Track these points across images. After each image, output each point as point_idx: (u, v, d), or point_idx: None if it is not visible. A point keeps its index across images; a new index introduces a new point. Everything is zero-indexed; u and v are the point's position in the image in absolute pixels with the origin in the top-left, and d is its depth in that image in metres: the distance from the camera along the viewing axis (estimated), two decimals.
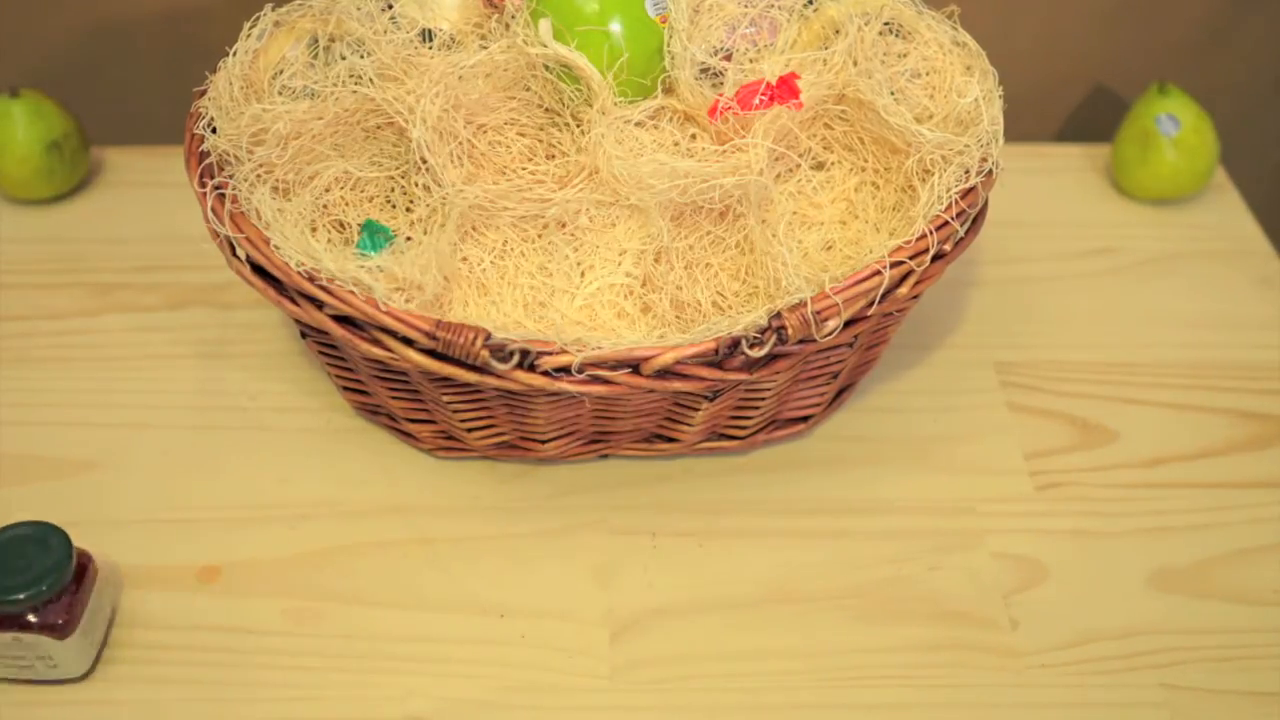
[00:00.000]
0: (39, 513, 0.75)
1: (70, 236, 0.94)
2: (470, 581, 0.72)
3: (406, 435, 0.78)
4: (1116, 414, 0.82)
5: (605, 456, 0.77)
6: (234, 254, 0.69)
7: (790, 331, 0.65)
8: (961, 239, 0.70)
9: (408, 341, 0.66)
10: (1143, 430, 0.81)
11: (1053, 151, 1.05)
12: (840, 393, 0.79)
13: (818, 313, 0.66)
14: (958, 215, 0.69)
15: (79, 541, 0.73)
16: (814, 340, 0.67)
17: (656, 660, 0.69)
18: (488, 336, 0.64)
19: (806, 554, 0.74)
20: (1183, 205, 0.99)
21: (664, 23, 0.75)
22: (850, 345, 0.73)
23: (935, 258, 0.69)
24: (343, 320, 0.67)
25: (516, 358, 0.65)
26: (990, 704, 0.67)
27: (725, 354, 0.65)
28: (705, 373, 0.66)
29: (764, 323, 0.66)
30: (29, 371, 0.84)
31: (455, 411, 0.73)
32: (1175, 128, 0.96)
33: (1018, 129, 1.08)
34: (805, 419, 0.78)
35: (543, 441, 0.75)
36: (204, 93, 0.75)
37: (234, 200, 0.70)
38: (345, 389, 0.79)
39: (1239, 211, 0.99)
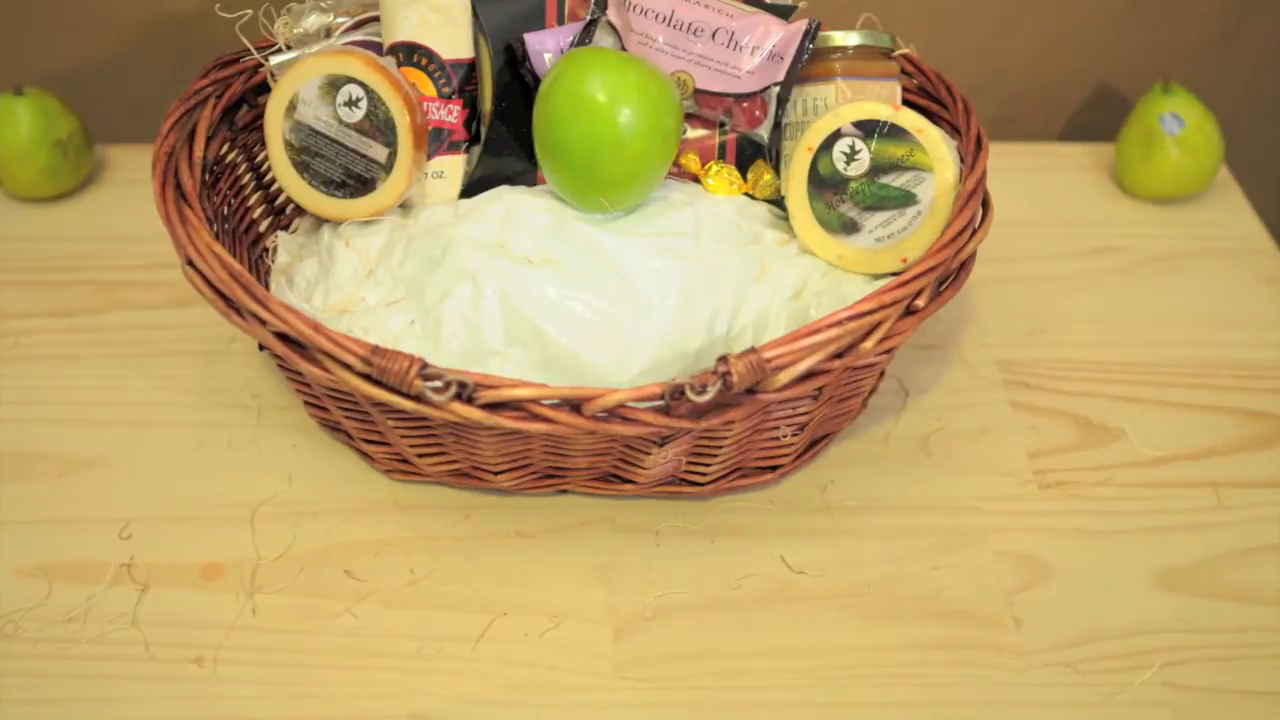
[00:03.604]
0: (41, 510, 0.75)
1: (74, 234, 0.95)
2: (474, 579, 0.72)
3: (364, 455, 0.77)
4: (1120, 413, 0.82)
5: (563, 492, 0.76)
6: (189, 265, 0.69)
7: (736, 379, 0.62)
8: (939, 295, 0.69)
9: (345, 365, 0.64)
10: (1147, 429, 0.81)
11: (1056, 150, 1.05)
12: (815, 443, 0.77)
13: (768, 361, 0.63)
14: (933, 269, 0.67)
15: (84, 539, 0.73)
16: (761, 390, 0.63)
17: (660, 659, 0.69)
18: (423, 365, 0.63)
19: (809, 552, 0.74)
20: (1187, 204, 0.99)
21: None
22: (814, 398, 0.71)
23: (908, 313, 0.67)
24: (285, 339, 0.66)
25: (454, 389, 0.63)
26: (992, 703, 0.67)
27: (672, 399, 0.62)
28: (650, 418, 0.63)
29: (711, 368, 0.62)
30: (32, 369, 0.84)
31: (404, 437, 0.72)
32: (1179, 126, 0.95)
33: (1021, 128, 1.09)
34: (774, 468, 0.76)
35: (495, 473, 0.74)
36: (204, 78, 0.76)
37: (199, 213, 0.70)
38: (307, 404, 0.78)
39: (1243, 210, 0.99)
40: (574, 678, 0.68)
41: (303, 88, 0.72)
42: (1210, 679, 0.68)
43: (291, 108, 0.72)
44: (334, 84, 0.72)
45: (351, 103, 0.72)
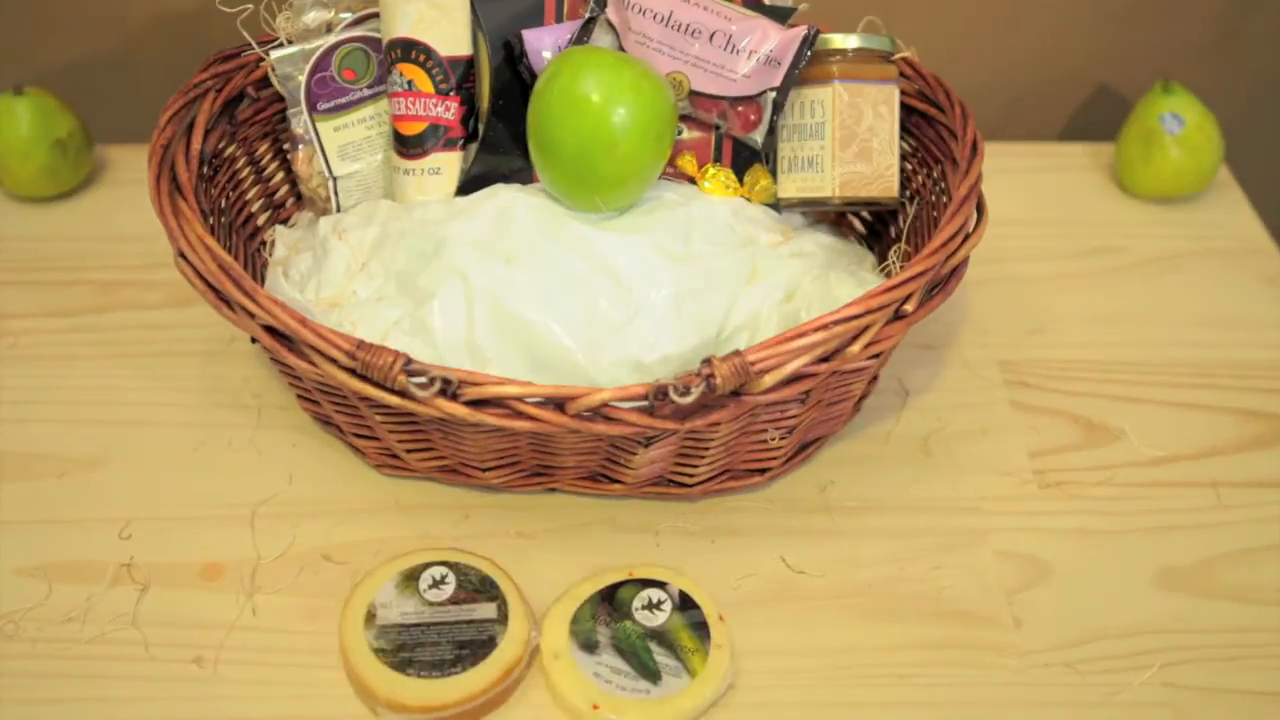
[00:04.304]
0: (41, 510, 0.75)
1: (74, 234, 0.95)
2: None
3: (355, 450, 0.77)
4: (1120, 413, 0.82)
5: (552, 490, 0.76)
6: (180, 256, 0.69)
7: (719, 381, 0.62)
8: (928, 300, 0.68)
9: (331, 359, 0.64)
10: (1147, 429, 0.81)
11: (1057, 150, 1.05)
12: (805, 446, 0.77)
13: (752, 364, 0.63)
14: (923, 274, 0.67)
15: (84, 539, 0.73)
16: (746, 394, 0.63)
17: None
18: (407, 361, 0.63)
19: (809, 552, 0.73)
20: (1187, 204, 0.99)
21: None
22: (801, 401, 0.70)
23: (896, 317, 0.67)
24: (273, 332, 0.66)
25: (438, 385, 0.63)
26: (992, 702, 0.67)
27: (655, 400, 0.62)
28: (634, 418, 0.63)
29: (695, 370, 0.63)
30: (33, 369, 0.84)
31: (391, 432, 0.72)
32: (1179, 126, 0.95)
33: (1022, 127, 1.09)
34: (762, 471, 0.76)
35: (483, 470, 0.73)
36: (205, 71, 0.77)
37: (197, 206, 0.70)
38: (300, 398, 0.78)
39: (1243, 210, 0.99)
40: None
41: (377, 595, 0.68)
42: (1210, 679, 0.68)
43: (370, 618, 0.67)
44: (410, 576, 0.69)
45: (437, 583, 0.69)
